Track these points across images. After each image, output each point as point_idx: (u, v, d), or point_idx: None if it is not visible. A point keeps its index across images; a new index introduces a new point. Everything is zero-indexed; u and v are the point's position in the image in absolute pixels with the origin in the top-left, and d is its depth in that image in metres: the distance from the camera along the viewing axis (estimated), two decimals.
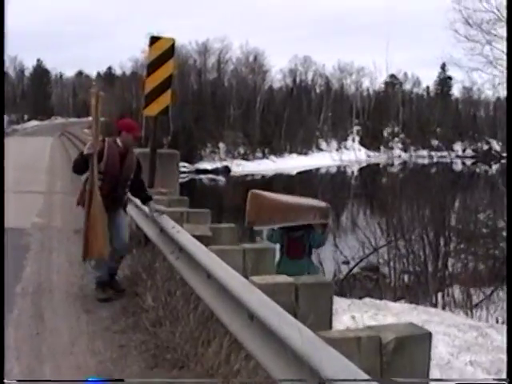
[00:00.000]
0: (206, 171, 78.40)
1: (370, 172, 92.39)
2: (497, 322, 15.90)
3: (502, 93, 24.76)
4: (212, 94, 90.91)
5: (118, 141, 8.09)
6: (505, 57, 21.73)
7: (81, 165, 8.00)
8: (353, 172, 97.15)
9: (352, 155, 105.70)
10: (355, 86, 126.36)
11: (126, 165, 8.14)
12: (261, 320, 4.44)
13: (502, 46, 21.80)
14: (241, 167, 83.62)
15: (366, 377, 3.49)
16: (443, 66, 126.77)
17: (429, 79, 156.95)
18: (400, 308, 10.87)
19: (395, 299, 22.89)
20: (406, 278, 24.51)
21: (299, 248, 11.02)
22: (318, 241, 11.35)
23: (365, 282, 25.44)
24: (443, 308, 22.30)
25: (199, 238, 6.86)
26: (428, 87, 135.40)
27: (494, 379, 7.80)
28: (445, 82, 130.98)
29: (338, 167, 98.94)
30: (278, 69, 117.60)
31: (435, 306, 22.12)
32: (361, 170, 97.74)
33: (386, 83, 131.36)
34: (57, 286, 8.64)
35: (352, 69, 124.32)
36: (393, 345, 3.98)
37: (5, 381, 4.68)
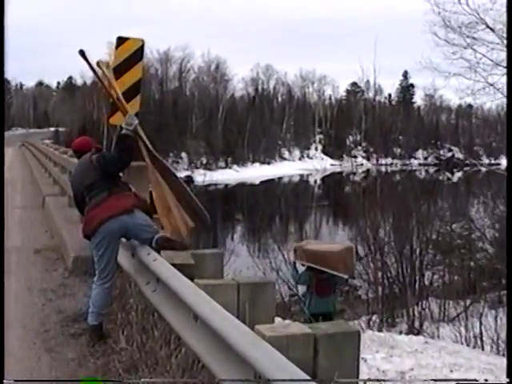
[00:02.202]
0: None
1: (333, 180, 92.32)
2: None
3: (481, 100, 23.87)
4: (174, 104, 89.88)
5: None
6: (488, 61, 21.04)
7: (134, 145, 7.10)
8: (315, 181, 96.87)
9: (315, 164, 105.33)
10: (317, 95, 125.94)
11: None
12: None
13: (484, 49, 21.10)
14: (203, 177, 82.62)
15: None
16: (405, 74, 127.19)
17: (392, 87, 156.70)
18: (411, 343, 9.82)
19: (369, 313, 22.10)
20: (381, 291, 23.63)
21: (328, 286, 12.37)
22: (342, 279, 12.74)
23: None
24: (421, 325, 21.54)
25: (180, 267, 5.82)
26: (390, 95, 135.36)
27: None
28: (407, 89, 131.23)
29: (301, 176, 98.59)
30: (239, 77, 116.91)
31: (413, 321, 21.37)
32: (323, 178, 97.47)
33: (348, 91, 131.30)
34: (14, 319, 7.50)
35: (314, 77, 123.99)
36: None
37: (4, 381, 4.38)
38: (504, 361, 10.39)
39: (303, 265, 12.81)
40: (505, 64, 20.01)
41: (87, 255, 9.54)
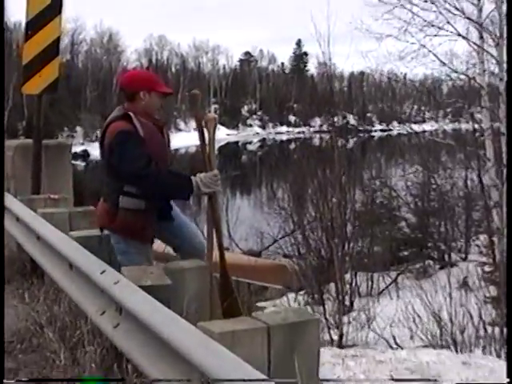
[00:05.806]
0: None
1: (229, 150, 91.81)
2: None
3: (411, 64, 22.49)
4: (66, 77, 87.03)
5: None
6: (420, 21, 19.98)
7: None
8: None
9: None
10: (211, 64, 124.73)
11: (167, 143, 5.74)
12: None
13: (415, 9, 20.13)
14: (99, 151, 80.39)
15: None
16: (298, 42, 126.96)
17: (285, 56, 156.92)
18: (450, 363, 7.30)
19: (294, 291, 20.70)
20: (305, 266, 22.26)
21: None
22: None
23: None
24: (351, 298, 20.44)
25: (150, 289, 4.07)
26: (283, 64, 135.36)
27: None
28: (300, 57, 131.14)
29: (197, 147, 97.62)
30: (133, 49, 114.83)
31: (342, 295, 20.22)
32: (219, 148, 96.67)
33: (241, 60, 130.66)
34: None
35: (208, 47, 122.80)
36: None
37: (4, 381, 3.97)
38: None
39: None
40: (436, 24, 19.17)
41: (23, 256, 7.54)
